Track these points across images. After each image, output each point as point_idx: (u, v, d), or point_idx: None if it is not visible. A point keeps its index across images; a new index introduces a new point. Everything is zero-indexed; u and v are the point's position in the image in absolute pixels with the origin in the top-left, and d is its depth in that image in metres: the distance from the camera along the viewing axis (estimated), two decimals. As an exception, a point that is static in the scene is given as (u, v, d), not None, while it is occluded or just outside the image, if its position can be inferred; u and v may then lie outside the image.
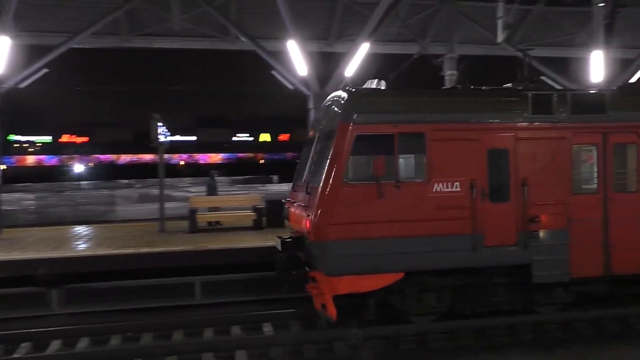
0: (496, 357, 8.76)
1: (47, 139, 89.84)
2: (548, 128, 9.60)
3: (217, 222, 17.65)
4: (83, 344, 9.57)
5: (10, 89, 17.71)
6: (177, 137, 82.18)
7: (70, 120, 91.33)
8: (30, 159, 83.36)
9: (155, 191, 24.29)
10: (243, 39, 19.67)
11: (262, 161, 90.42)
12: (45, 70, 18.94)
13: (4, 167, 46.79)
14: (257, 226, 16.87)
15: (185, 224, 16.88)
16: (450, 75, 17.53)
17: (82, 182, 47.86)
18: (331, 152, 8.88)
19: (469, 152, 9.21)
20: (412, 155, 9.08)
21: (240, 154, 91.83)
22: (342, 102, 9.25)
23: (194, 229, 16.52)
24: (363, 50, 17.41)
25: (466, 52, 21.47)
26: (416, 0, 20.67)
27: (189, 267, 12.70)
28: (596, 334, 9.44)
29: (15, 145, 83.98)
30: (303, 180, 10.04)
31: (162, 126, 16.98)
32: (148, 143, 17.03)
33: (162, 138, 16.97)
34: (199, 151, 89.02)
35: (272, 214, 17.28)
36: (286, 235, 10.23)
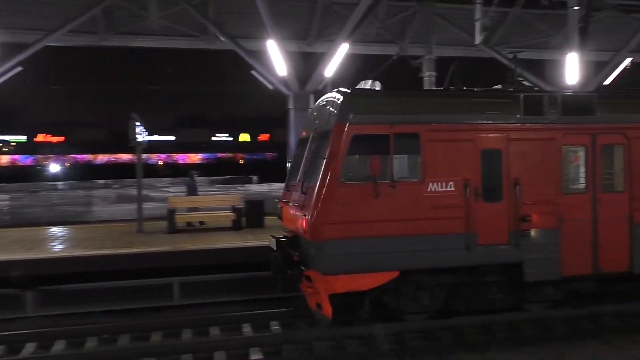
0: (474, 355, 8.83)
1: (22, 138, 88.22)
2: (539, 129, 9.77)
3: (202, 223, 17.54)
4: (58, 346, 9.42)
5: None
6: (156, 137, 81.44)
7: (46, 120, 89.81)
8: (4, 159, 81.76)
9: (133, 191, 24.00)
10: (222, 38, 19.59)
11: (241, 161, 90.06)
12: (19, 69, 18.59)
13: (-24, 167, 45.81)
14: (236, 226, 16.78)
15: (163, 224, 16.72)
16: (428, 76, 17.69)
17: (58, 182, 47.09)
18: (327, 152, 8.94)
19: (462, 152, 9.36)
20: (408, 156, 9.20)
21: (220, 154, 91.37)
22: (338, 102, 9.30)
23: (173, 229, 16.37)
24: (342, 50, 17.47)
25: (444, 54, 21.72)
26: (395, 1, 20.83)
27: (167, 268, 12.59)
28: (571, 332, 9.57)
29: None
30: (297, 180, 10.06)
31: (140, 126, 16.81)
32: (126, 143, 16.84)
33: (140, 138, 16.79)
34: (178, 151, 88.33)
35: (251, 215, 17.24)
36: (279, 234, 10.29)
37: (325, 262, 8.79)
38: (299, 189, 9.64)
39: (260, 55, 18.46)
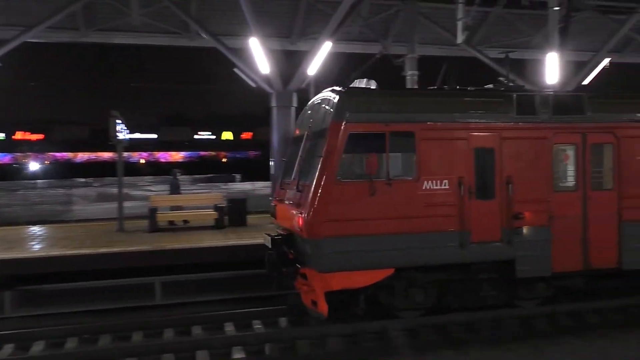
0: (456, 353, 8.90)
1: (0, 136, 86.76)
2: (531, 128, 9.91)
3: (186, 221, 17.42)
4: (37, 347, 9.29)
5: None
6: (137, 135, 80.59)
7: (25, 117, 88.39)
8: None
9: (114, 190, 23.79)
10: (204, 35, 19.42)
11: (224, 159, 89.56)
12: (-2, 65, 18.26)
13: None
14: (218, 225, 16.72)
15: (145, 223, 16.58)
16: (411, 75, 17.74)
17: (37, 181, 46.43)
18: (324, 150, 8.98)
19: (456, 151, 9.47)
20: (403, 154, 9.26)
21: (202, 152, 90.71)
22: (334, 101, 9.33)
23: (154, 228, 16.25)
24: (325, 48, 17.43)
25: (427, 53, 21.81)
26: (378, 0, 20.85)
27: (148, 268, 12.47)
28: (551, 329, 9.70)
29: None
30: (292, 178, 10.08)
31: (121, 123, 16.64)
32: (107, 141, 16.66)
33: (121, 136, 16.63)
34: (160, 149, 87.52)
35: (234, 213, 17.18)
36: (273, 232, 10.31)
37: (322, 260, 8.83)
38: (295, 187, 9.66)
39: (242, 53, 18.32)
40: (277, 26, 20.57)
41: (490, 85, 11.00)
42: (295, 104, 18.09)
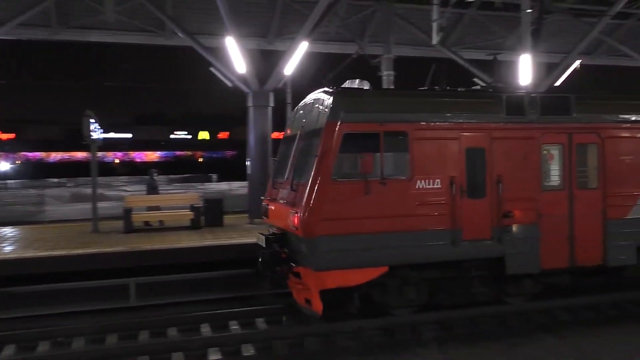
0: (432, 351, 8.98)
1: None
2: (520, 128, 10.12)
3: (162, 222, 17.27)
4: (8, 351, 9.11)
5: None
6: (112, 135, 79.48)
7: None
8: (-50, 157, 78.29)
9: (88, 190, 23.42)
10: (180, 34, 19.27)
11: (200, 159, 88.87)
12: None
13: None
14: (195, 226, 16.61)
15: (120, 224, 16.38)
16: (387, 75, 17.85)
17: (8, 181, 45.44)
18: (319, 150, 9.04)
19: (448, 150, 9.65)
20: (397, 153, 9.38)
21: (178, 152, 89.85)
22: (329, 101, 9.39)
23: (129, 229, 16.06)
24: (302, 48, 17.44)
25: (402, 53, 21.98)
26: (355, 0, 20.94)
27: (123, 269, 12.33)
28: (525, 326, 9.86)
29: None
30: (285, 177, 10.11)
31: (95, 123, 16.41)
32: (80, 140, 16.42)
33: (95, 135, 16.41)
34: (135, 149, 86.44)
35: (210, 213, 17.09)
36: (266, 231, 10.38)
37: (318, 258, 8.91)
38: (288, 187, 9.71)
39: (219, 52, 18.21)
40: (254, 25, 20.50)
41: (478, 86, 11.19)
42: (272, 103, 18.08)
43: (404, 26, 22.14)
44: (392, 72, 17.96)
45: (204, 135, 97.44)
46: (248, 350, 8.84)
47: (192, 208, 16.88)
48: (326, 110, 9.32)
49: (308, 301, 9.49)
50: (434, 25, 20.82)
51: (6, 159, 77.72)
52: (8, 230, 17.25)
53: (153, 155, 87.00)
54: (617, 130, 10.65)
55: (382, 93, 10.04)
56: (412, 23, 22.34)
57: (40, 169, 65.51)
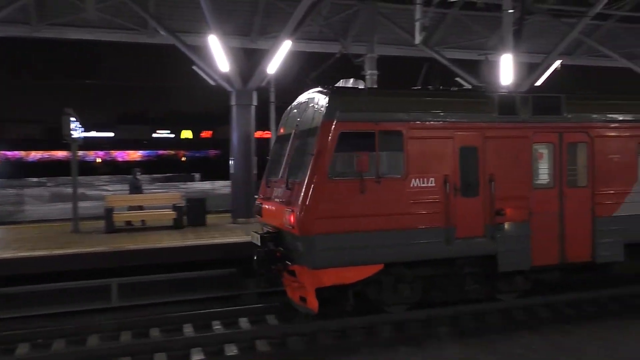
0: (413, 349, 9.04)
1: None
2: (512, 127, 10.26)
3: (144, 222, 17.14)
4: (-13, 353, 8.97)
5: None
6: (93, 134, 78.68)
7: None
8: None
9: (69, 190, 23.15)
10: (162, 32, 19.12)
11: (183, 159, 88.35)
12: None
13: None
14: (177, 225, 16.50)
15: (101, 224, 16.22)
16: (370, 74, 17.91)
17: (-14, 181, 44.72)
18: (315, 149, 9.07)
19: (442, 149, 9.74)
20: (392, 152, 9.44)
21: (161, 151, 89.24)
22: (325, 100, 9.42)
23: (111, 229, 15.90)
24: (285, 47, 17.41)
25: (385, 53, 22.08)
26: (338, 0, 20.98)
27: (104, 269, 12.21)
28: (505, 324, 9.96)
29: None
30: (280, 176, 10.13)
31: (76, 121, 16.22)
32: (61, 139, 16.22)
33: (75, 134, 16.22)
34: (117, 148, 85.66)
35: (193, 213, 16.99)
36: (261, 230, 10.38)
37: (314, 256, 8.95)
38: (283, 185, 9.72)
39: (202, 51, 18.09)
40: (237, 24, 20.43)
41: (463, 86, 11.31)
42: (255, 102, 18.02)
43: (387, 25, 22.22)
44: (375, 72, 18.01)
45: (186, 134, 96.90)
46: (231, 350, 8.81)
47: (175, 208, 16.77)
48: (322, 109, 9.37)
49: (303, 299, 9.53)
50: (417, 25, 20.92)
51: (-16, 158, 76.48)
52: (-14, 231, 16.97)
53: (135, 155, 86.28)
54: (605, 129, 10.86)
55: (377, 93, 10.08)
56: (395, 22, 22.42)
57: (20, 168, 64.53)
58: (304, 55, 21.75)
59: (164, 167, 62.45)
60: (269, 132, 25.32)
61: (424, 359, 8.69)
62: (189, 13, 19.58)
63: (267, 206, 10.55)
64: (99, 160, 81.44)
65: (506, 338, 9.44)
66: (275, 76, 19.93)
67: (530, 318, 10.21)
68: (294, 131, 10.25)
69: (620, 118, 10.99)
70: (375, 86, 17.93)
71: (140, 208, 17.66)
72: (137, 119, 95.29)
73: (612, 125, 10.92)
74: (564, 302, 10.72)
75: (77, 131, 16.30)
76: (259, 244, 9.85)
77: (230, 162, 18.31)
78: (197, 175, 46.21)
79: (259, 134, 20.27)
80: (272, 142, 22.95)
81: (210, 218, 17.86)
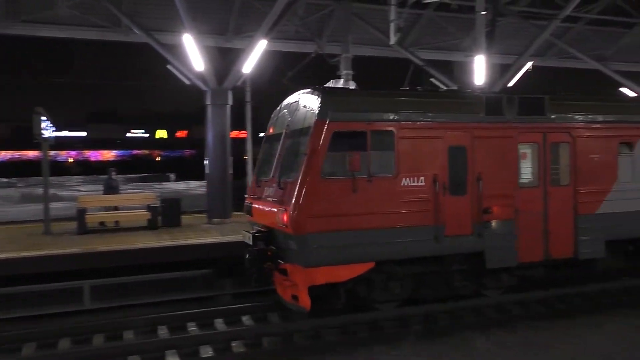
0: (388, 347, 9.11)
1: None
2: (499, 127, 10.47)
3: (118, 222, 16.91)
4: (-46, 358, 8.76)
5: None
6: (65, 133, 77.30)
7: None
8: None
9: (40, 190, 22.71)
10: (136, 30, 18.89)
11: (158, 158, 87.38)
12: None
13: None
14: (151, 226, 16.33)
15: (74, 225, 15.95)
16: (346, 74, 17.96)
17: (-47, 181, 43.59)
18: (308, 148, 9.13)
19: (432, 149, 9.89)
20: (383, 152, 9.55)
21: (135, 151, 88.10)
22: (317, 100, 9.48)
23: (83, 230, 15.66)
24: (261, 47, 17.36)
25: (361, 53, 22.15)
26: (313, -1, 21.00)
27: (77, 271, 12.01)
28: (478, 321, 10.09)
29: None
30: (271, 175, 10.16)
31: (47, 121, 15.92)
32: (31, 139, 15.91)
33: (46, 133, 15.92)
34: (90, 148, 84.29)
35: (168, 213, 16.83)
36: (251, 229, 10.41)
37: (307, 255, 9.01)
38: (275, 185, 9.75)
39: (176, 50, 17.93)
40: (212, 23, 20.29)
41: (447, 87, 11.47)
42: (230, 102, 17.93)
43: (362, 26, 22.32)
44: (350, 72, 18.07)
45: (161, 133, 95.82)
46: (206, 351, 8.75)
47: (149, 208, 16.59)
48: (314, 109, 9.44)
49: (295, 297, 9.58)
50: (392, 26, 21.04)
51: (-49, 158, 74.55)
52: (-47, 233, 16.54)
53: (109, 154, 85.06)
54: (587, 130, 11.15)
55: (369, 93, 10.15)
56: (369, 23, 22.53)
57: (-11, 168, 63.07)
58: (280, 55, 21.71)
59: (138, 167, 61.73)
60: (245, 132, 25.19)
61: (399, 358, 8.76)
62: (163, 11, 19.37)
63: (257, 205, 10.59)
64: (71, 160, 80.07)
65: (480, 335, 9.57)
66: (251, 76, 19.81)
67: (503, 315, 10.36)
68: (284, 131, 10.32)
69: (601, 119, 11.31)
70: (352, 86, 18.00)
71: (116, 209, 17.43)
72: (111, 118, 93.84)
73: (593, 125, 11.22)
74: (535, 299, 10.90)
75: (48, 130, 16.01)
76: (251, 243, 9.90)
77: (205, 162, 18.19)
78: (172, 176, 45.79)
79: (234, 133, 20.15)
80: (248, 142, 22.87)
81: (186, 218, 17.72)
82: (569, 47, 25.96)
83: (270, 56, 19.71)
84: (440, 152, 9.95)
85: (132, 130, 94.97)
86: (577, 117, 11.12)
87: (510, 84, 23.33)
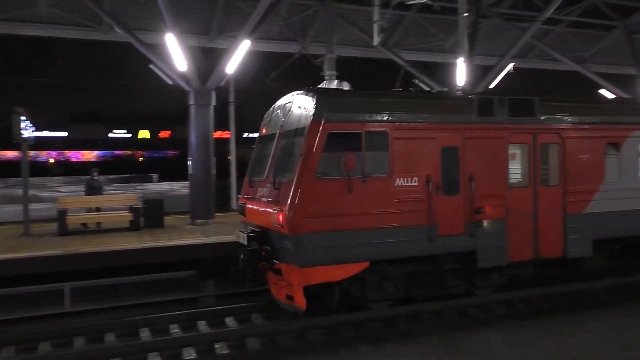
0: (372, 347, 9.11)
1: None
2: (490, 128, 10.59)
3: (99, 224, 16.72)
4: None
5: None
6: (46, 133, 76.28)
7: None
8: None
9: (19, 191, 22.37)
10: (117, 29, 18.69)
11: (141, 159, 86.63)
12: None
13: None
14: (134, 227, 16.18)
15: (54, 226, 15.74)
16: (329, 75, 17.98)
17: None
18: (304, 149, 9.15)
19: (425, 149, 9.96)
20: (377, 152, 9.60)
21: (118, 152, 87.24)
22: (313, 101, 9.51)
23: (64, 231, 15.46)
24: (244, 47, 17.30)
25: (344, 54, 22.20)
26: (297, 0, 20.97)
27: (57, 273, 11.84)
28: (463, 321, 10.14)
29: None
30: (265, 176, 10.17)
31: (27, 121, 15.69)
32: (10, 139, 15.68)
33: (26, 133, 15.69)
34: (71, 148, 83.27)
35: (150, 214, 16.69)
36: (246, 230, 10.36)
37: (303, 255, 9.03)
38: (269, 185, 9.76)
39: (159, 49, 17.79)
40: (195, 23, 20.20)
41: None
42: (214, 102, 17.84)
43: (345, 27, 22.37)
44: (334, 72, 18.10)
45: (144, 134, 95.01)
46: (189, 353, 8.68)
47: (131, 209, 16.43)
48: (310, 110, 9.47)
49: (290, 297, 9.59)
50: (375, 27, 21.13)
51: None
52: None
53: (90, 155, 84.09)
54: (575, 131, 11.32)
55: (363, 94, 10.19)
56: (353, 24, 22.59)
57: (-33, 169, 61.95)
58: (264, 55, 21.66)
59: (120, 168, 61.12)
60: (228, 132, 25.09)
61: (384, 358, 8.78)
62: (146, 10, 19.24)
63: (251, 206, 10.57)
64: (51, 160, 79.03)
65: (464, 335, 9.63)
66: (235, 76, 19.74)
67: (487, 315, 10.43)
68: (278, 131, 10.35)
69: (589, 120, 11.50)
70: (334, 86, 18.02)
71: (98, 210, 17.24)
72: (92, 118, 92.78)
73: (582, 126, 11.40)
74: (519, 299, 10.98)
75: (27, 130, 15.79)
76: (245, 243, 9.90)
77: (188, 163, 18.07)
78: (155, 176, 45.45)
79: (218, 134, 20.06)
80: (232, 142, 22.77)
81: (169, 219, 17.58)
82: (549, 49, 26.29)
83: (253, 56, 19.67)
84: (433, 152, 10.03)
85: (114, 131, 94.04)
86: (566, 118, 11.29)
87: (492, 86, 23.55)
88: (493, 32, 24.60)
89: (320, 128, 9.23)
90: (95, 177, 18.22)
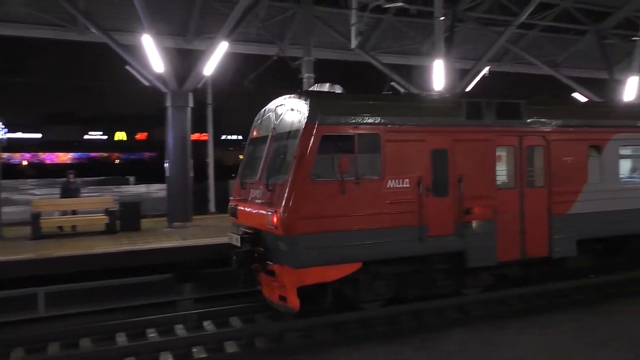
0: (352, 349, 9.13)
1: None
2: (478, 131, 10.76)
3: (75, 227, 16.46)
4: None
5: None
6: (19, 135, 74.93)
7: None
8: None
9: (-9, 194, 21.89)
10: (93, 29, 18.44)
11: (117, 161, 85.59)
12: None
13: None
14: (110, 230, 15.98)
15: (28, 229, 15.44)
16: (307, 77, 18.01)
17: None
18: (298, 151, 9.20)
19: (416, 151, 10.11)
20: (370, 154, 9.71)
21: (93, 153, 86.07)
22: (306, 104, 9.58)
23: (38, 234, 15.19)
24: (222, 49, 17.23)
25: (322, 56, 22.26)
26: (275, 2, 20.95)
27: (30, 278, 11.63)
28: (440, 322, 10.27)
29: None
30: (258, 177, 10.20)
31: (-2, 122, 15.42)
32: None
33: (-2, 136, 15.41)
34: (45, 150, 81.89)
35: (127, 217, 16.50)
36: (239, 231, 10.37)
37: (297, 256, 9.08)
38: (262, 187, 9.80)
39: (135, 50, 17.60)
40: (172, 24, 20.03)
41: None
42: (191, 104, 17.72)
43: (323, 29, 22.42)
44: (312, 75, 18.13)
45: (120, 135, 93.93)
46: (166, 358, 8.62)
47: (107, 212, 16.23)
48: (303, 113, 9.52)
49: (283, 298, 9.60)
50: (353, 29, 21.22)
51: None
52: None
53: (65, 157, 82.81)
54: (559, 133, 11.57)
55: (356, 97, 10.33)
56: (331, 26, 22.65)
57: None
58: (241, 57, 21.59)
59: (96, 170, 60.24)
60: (206, 134, 24.94)
61: (360, 359, 8.82)
62: (122, 11, 19.00)
63: (243, 207, 10.56)
64: (25, 162, 77.60)
65: (441, 336, 9.72)
66: (212, 78, 19.63)
67: (463, 316, 10.55)
68: (270, 134, 10.39)
69: (572, 123, 11.77)
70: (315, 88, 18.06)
71: (74, 213, 16.98)
72: (67, 119, 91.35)
73: (566, 130, 11.66)
74: (495, 299, 11.11)
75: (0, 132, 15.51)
76: (238, 245, 9.91)
77: (165, 165, 17.91)
78: (131, 178, 44.89)
79: (195, 136, 19.93)
80: (210, 145, 22.64)
81: (146, 222, 17.40)
82: (524, 52, 26.71)
83: (231, 58, 19.59)
84: (424, 154, 10.18)
85: (90, 132, 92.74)
86: (550, 121, 11.53)
87: (468, 89, 23.84)
88: (469, 36, 24.90)
89: (314, 131, 9.32)
90: (72, 180, 17.93)
